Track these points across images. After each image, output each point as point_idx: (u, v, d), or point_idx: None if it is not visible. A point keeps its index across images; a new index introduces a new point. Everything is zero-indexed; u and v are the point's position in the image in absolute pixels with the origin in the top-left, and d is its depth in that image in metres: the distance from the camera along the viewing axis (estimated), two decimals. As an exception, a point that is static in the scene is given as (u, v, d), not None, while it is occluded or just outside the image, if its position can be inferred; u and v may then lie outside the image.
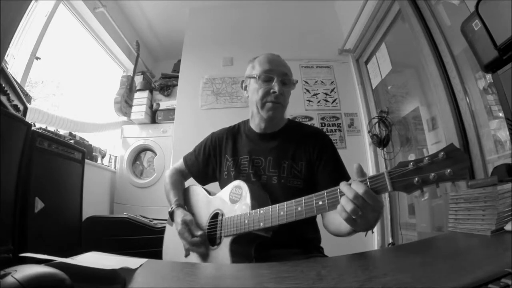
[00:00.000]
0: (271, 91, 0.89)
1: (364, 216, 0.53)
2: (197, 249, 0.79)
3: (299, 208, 0.63)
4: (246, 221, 0.71)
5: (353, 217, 0.53)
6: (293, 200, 0.65)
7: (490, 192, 0.62)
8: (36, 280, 0.36)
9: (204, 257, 0.79)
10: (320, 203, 0.60)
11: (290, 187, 0.86)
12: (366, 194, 0.52)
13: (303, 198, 0.63)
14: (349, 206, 0.53)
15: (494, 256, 0.49)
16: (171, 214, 0.89)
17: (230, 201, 0.79)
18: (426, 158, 0.50)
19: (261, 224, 0.68)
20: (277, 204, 0.67)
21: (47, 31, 2.01)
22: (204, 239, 0.79)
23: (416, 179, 0.50)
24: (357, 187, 0.53)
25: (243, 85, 0.99)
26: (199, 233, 0.79)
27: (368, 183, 0.54)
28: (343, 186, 0.56)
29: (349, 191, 0.54)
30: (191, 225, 0.81)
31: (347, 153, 2.32)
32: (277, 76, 0.89)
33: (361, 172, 0.56)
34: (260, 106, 0.91)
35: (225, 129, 1.05)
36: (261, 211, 0.69)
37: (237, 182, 0.80)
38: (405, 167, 0.51)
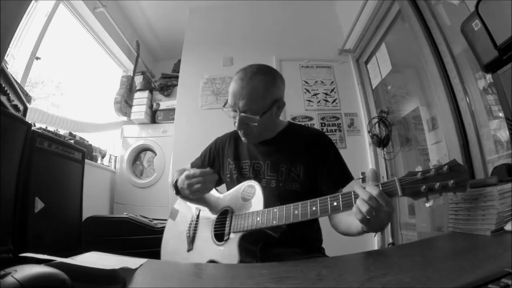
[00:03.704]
0: (235, 124, 0.87)
1: (377, 216, 0.57)
2: (209, 178, 0.82)
3: (314, 208, 0.65)
4: (258, 219, 0.71)
5: (367, 217, 0.57)
6: (308, 201, 0.66)
7: (490, 192, 0.62)
8: (36, 280, 0.36)
9: (209, 246, 0.80)
10: (335, 204, 0.63)
11: (288, 190, 0.86)
12: (380, 195, 0.57)
13: (317, 198, 0.65)
14: (364, 207, 0.57)
15: (494, 256, 0.49)
16: (175, 183, 0.90)
17: (242, 199, 0.80)
18: (432, 170, 0.56)
19: (274, 222, 0.69)
20: (291, 204, 0.68)
21: (47, 31, 2.00)
22: (212, 171, 0.82)
23: (423, 187, 0.56)
24: (372, 190, 0.57)
25: None
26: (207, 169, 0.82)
27: (381, 187, 0.58)
28: (358, 188, 0.60)
29: (364, 193, 0.58)
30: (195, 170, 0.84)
31: (347, 153, 2.31)
32: (239, 111, 0.84)
33: (375, 177, 0.61)
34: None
35: (229, 133, 1.07)
36: (275, 210, 0.70)
37: (250, 182, 0.81)
38: (413, 176, 0.57)
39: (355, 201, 0.60)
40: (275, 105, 0.87)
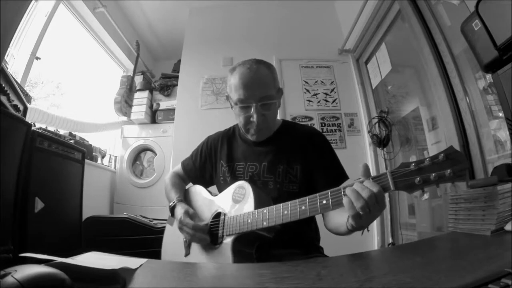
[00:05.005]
0: (251, 119, 0.84)
1: (369, 213, 0.54)
2: (199, 236, 0.77)
3: (303, 207, 0.63)
4: (249, 220, 0.70)
5: (361, 213, 0.54)
6: (297, 200, 0.65)
7: (490, 192, 0.62)
8: (36, 280, 0.36)
9: (205, 250, 0.79)
10: (324, 202, 0.60)
11: (286, 191, 0.85)
12: (380, 194, 0.54)
13: (307, 197, 0.63)
14: (359, 203, 0.54)
15: (494, 256, 0.49)
16: (172, 208, 0.88)
17: (233, 201, 0.79)
18: (427, 159, 0.52)
19: (265, 223, 0.68)
20: (281, 204, 0.67)
21: (47, 31, 2.01)
22: (206, 229, 0.79)
23: (418, 179, 0.52)
24: (372, 186, 0.54)
25: (228, 100, 0.92)
26: (202, 222, 0.79)
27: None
28: (356, 185, 0.56)
29: (364, 190, 0.54)
30: (193, 216, 0.81)
31: (347, 153, 2.31)
32: (255, 102, 0.82)
33: (367, 172, 0.58)
34: (244, 131, 0.89)
35: (220, 132, 1.04)
36: (265, 211, 0.69)
37: (240, 183, 0.80)
38: (407, 167, 0.53)
39: None
40: (279, 93, 0.89)
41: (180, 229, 0.81)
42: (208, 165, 1.01)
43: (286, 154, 0.89)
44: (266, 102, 0.83)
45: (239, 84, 0.82)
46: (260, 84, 0.83)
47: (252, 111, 0.83)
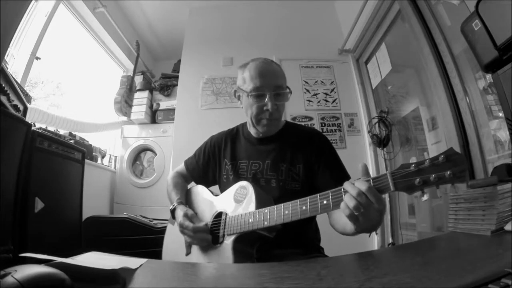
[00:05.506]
0: (265, 108, 0.86)
1: (366, 214, 0.55)
2: (200, 236, 0.78)
3: (304, 207, 0.63)
4: (250, 220, 0.71)
5: (356, 213, 0.55)
6: (298, 200, 0.65)
7: (490, 192, 0.62)
8: (36, 280, 0.36)
9: (205, 249, 0.79)
10: (325, 202, 0.61)
11: (288, 189, 0.86)
12: (369, 191, 0.54)
13: (307, 197, 0.64)
14: (351, 203, 0.54)
15: (494, 256, 0.49)
16: (173, 211, 0.89)
17: (234, 201, 0.79)
18: (427, 161, 0.52)
19: (266, 223, 0.68)
20: (282, 204, 0.67)
21: (47, 31, 2.01)
22: (207, 229, 0.79)
23: (418, 180, 0.52)
24: (360, 185, 0.55)
25: (236, 95, 0.96)
26: (201, 223, 0.79)
27: (371, 183, 0.56)
28: (347, 184, 0.57)
29: (352, 188, 0.55)
30: (192, 217, 0.81)
31: (347, 153, 2.32)
32: (270, 90, 0.85)
33: (366, 172, 0.59)
34: (255, 122, 0.90)
35: (224, 132, 1.05)
36: (266, 210, 0.69)
37: (242, 183, 0.80)
38: (407, 168, 0.54)
39: None
40: (289, 91, 0.91)
41: (181, 232, 0.82)
42: (212, 163, 1.01)
43: (288, 153, 0.90)
44: (279, 91, 0.87)
45: (255, 73, 0.86)
46: (275, 75, 0.88)
47: (266, 100, 0.85)
